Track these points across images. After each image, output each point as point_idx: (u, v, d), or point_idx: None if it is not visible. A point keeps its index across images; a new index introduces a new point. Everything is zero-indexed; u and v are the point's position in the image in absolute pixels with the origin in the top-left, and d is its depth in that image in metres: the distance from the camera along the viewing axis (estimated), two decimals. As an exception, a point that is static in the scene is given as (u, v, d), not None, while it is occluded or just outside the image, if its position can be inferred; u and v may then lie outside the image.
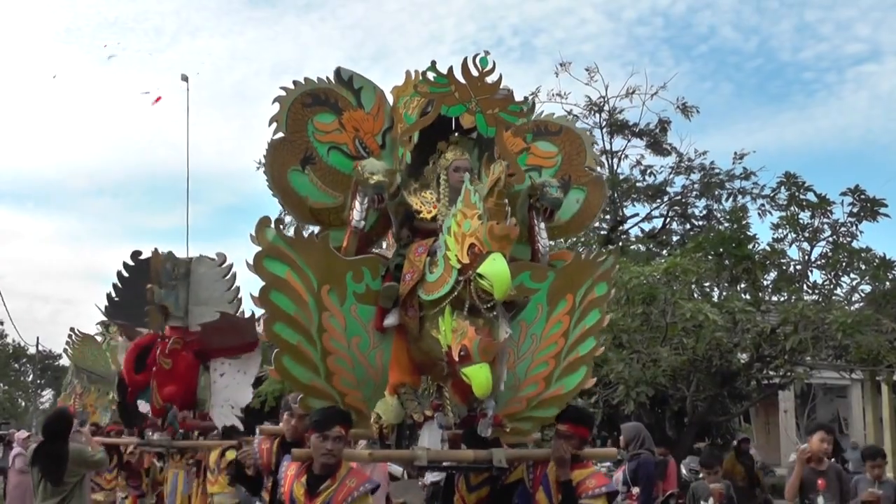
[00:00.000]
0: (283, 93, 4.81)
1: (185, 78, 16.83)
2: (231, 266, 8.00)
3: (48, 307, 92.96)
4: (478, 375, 4.00)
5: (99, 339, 13.32)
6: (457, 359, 4.06)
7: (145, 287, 7.87)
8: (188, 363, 7.86)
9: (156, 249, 7.98)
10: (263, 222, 4.41)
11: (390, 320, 4.62)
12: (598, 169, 5.70)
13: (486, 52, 4.55)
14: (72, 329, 13.29)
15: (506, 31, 74.97)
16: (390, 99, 5.06)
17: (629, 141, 20.18)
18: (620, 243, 18.10)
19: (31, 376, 55.60)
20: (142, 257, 8.55)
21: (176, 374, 7.81)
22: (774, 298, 13.63)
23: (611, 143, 20.18)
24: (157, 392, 7.80)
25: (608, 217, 19.42)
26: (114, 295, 8.87)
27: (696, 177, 19.57)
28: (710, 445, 13.84)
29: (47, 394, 55.33)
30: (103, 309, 9.11)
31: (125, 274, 8.79)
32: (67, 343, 13.21)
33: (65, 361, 24.77)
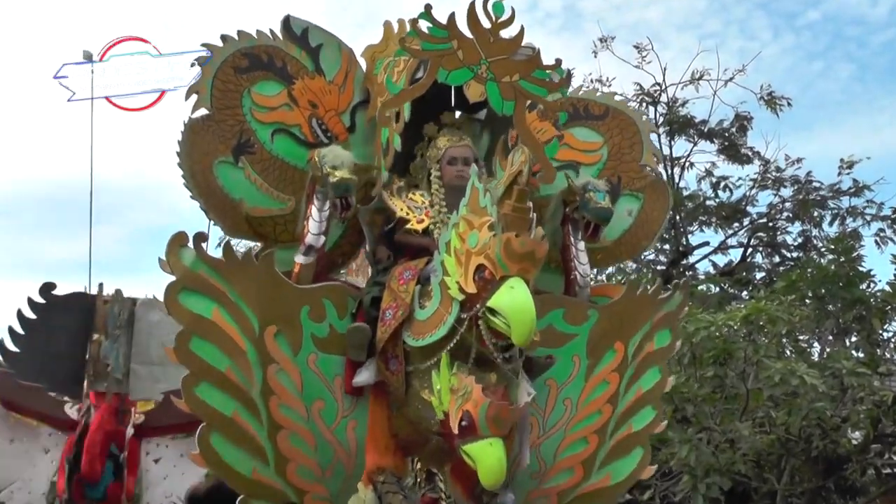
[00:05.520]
0: (205, 52, 4.75)
1: (88, 56, 16.64)
2: None
3: None
4: (486, 456, 3.84)
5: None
6: (456, 431, 3.93)
7: (57, 334, 7.91)
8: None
9: (100, 284, 7.99)
10: (177, 240, 4.37)
11: (363, 377, 4.51)
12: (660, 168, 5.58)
13: None
14: None
15: (543, -10, 75.34)
16: (363, 63, 5.04)
17: (695, 144, 19.97)
18: (683, 281, 17.89)
19: None
20: (55, 292, 8.65)
21: None
22: (898, 357, 13.66)
23: (670, 147, 19.96)
24: None
25: (667, 247, 19.33)
26: (11, 345, 8.83)
27: (787, 192, 19.38)
28: None
29: None
30: None
31: (31, 316, 8.80)
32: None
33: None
